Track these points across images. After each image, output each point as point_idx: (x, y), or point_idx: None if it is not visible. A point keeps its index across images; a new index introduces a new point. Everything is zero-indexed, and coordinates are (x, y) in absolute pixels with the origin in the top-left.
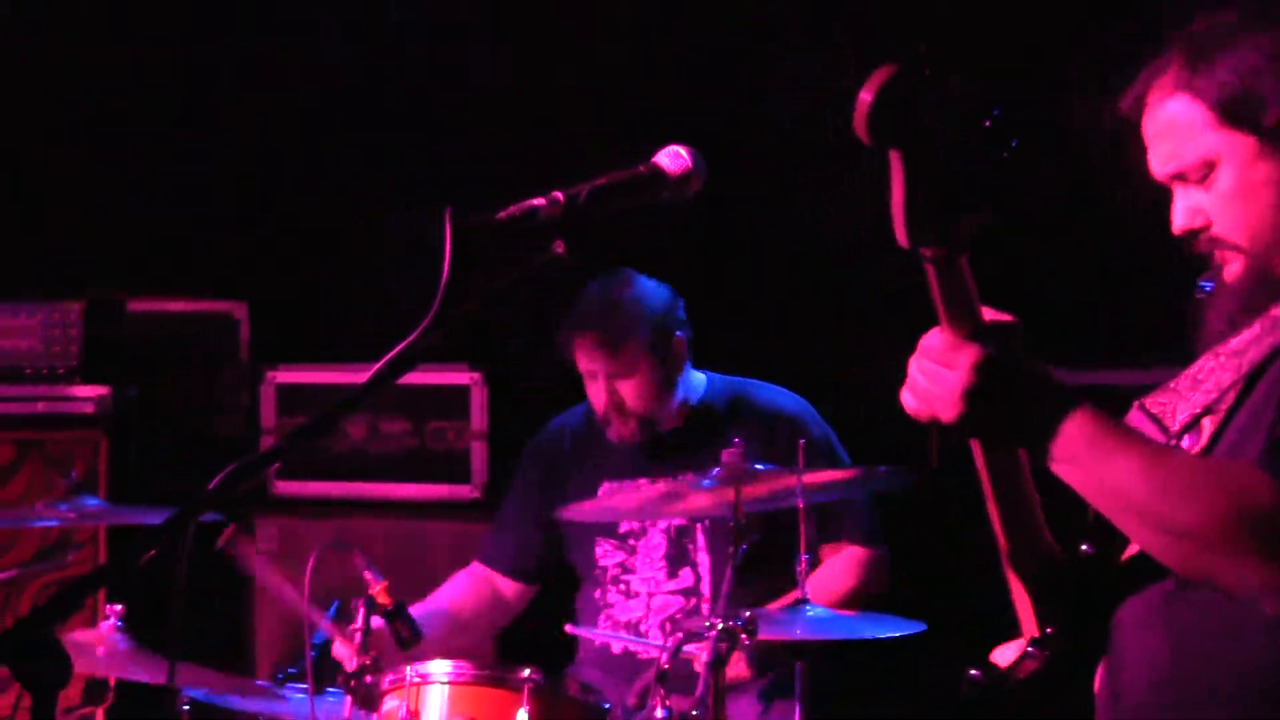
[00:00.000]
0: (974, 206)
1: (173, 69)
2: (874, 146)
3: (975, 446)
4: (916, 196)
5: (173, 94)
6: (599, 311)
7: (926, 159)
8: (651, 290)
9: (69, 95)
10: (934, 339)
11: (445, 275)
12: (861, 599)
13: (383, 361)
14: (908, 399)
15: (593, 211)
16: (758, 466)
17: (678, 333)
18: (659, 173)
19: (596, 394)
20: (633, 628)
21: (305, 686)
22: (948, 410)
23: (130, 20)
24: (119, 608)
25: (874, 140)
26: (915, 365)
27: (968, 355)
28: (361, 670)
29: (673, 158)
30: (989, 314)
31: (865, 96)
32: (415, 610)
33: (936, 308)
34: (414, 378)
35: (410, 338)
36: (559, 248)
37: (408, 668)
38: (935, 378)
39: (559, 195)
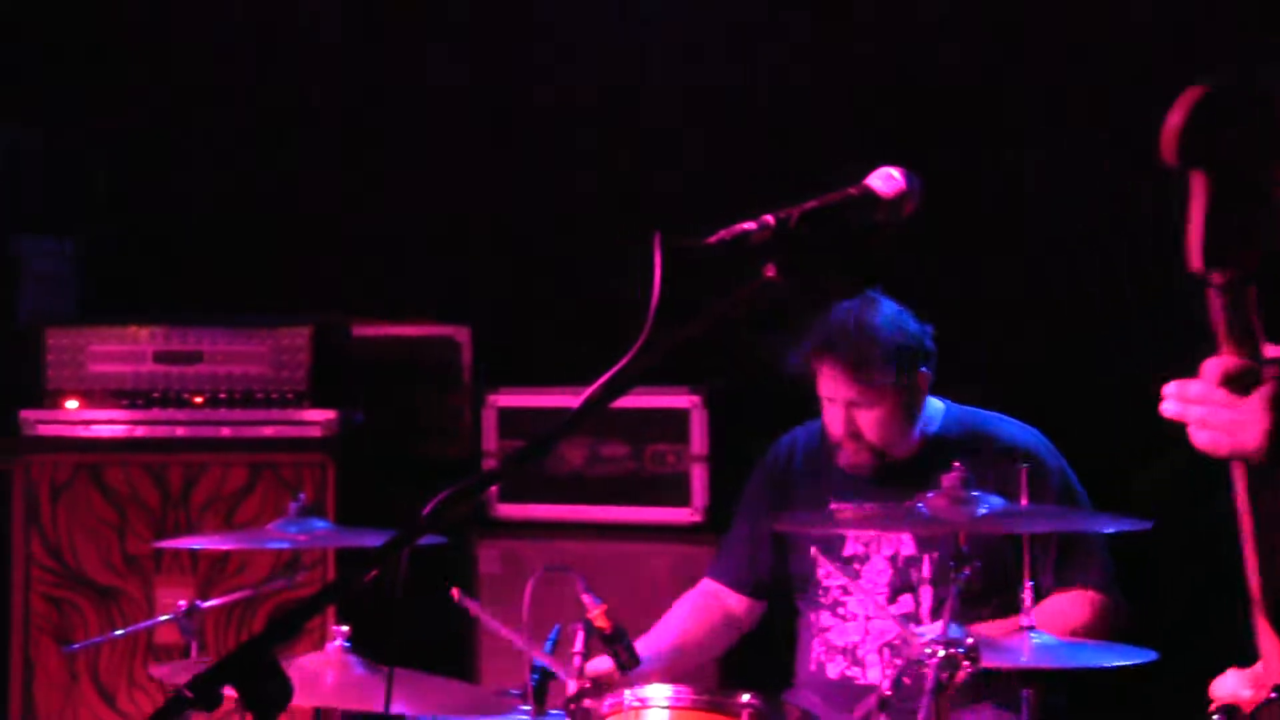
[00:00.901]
0: (1273, 232)
1: (405, 95)
2: (1178, 168)
3: (1240, 487)
4: (1218, 220)
5: (402, 120)
6: (849, 337)
7: (1230, 182)
8: (904, 320)
9: (299, 123)
10: (1220, 367)
11: (655, 299)
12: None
13: (596, 385)
14: (1201, 435)
15: (804, 235)
16: (974, 493)
17: (923, 367)
18: (871, 195)
19: (834, 419)
20: (850, 654)
21: (527, 708)
22: (1253, 439)
23: (363, 46)
24: (345, 629)
25: (1180, 161)
26: (1204, 395)
27: (1269, 385)
28: (581, 694)
29: (886, 179)
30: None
31: (1175, 118)
32: (646, 640)
33: (1218, 335)
34: (634, 401)
35: (622, 361)
36: (770, 272)
37: (626, 692)
38: (1235, 407)
39: (769, 219)
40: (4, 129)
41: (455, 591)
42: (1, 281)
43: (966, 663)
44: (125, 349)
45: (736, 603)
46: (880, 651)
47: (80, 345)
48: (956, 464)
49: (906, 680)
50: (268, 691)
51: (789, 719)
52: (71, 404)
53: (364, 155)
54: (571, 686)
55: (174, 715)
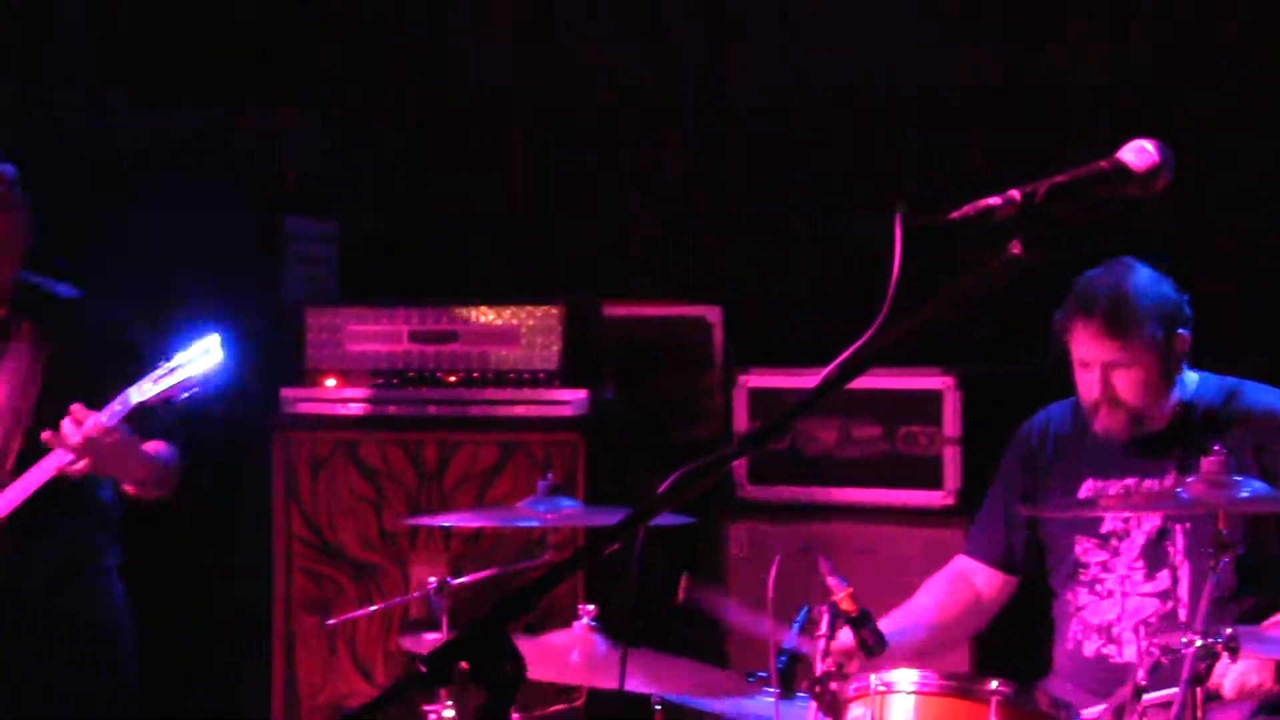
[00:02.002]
0: None
1: (652, 82)
2: None
3: None
4: None
5: (651, 105)
6: (1106, 297)
7: None
8: (1160, 283)
9: (553, 101)
10: None
11: (895, 277)
12: None
13: (833, 365)
14: None
15: (1051, 210)
16: (1237, 479)
17: (1181, 329)
18: (1122, 168)
19: (1089, 383)
20: (1105, 632)
21: (773, 691)
22: None
23: (610, 27)
24: (592, 608)
25: None
26: None
27: None
28: (826, 677)
29: (1138, 153)
30: None
31: None
32: (892, 619)
33: None
34: (886, 382)
35: (860, 341)
36: (1016, 248)
37: (872, 676)
38: None
39: (1015, 194)
40: (276, 113)
41: (684, 582)
42: (268, 262)
43: (1225, 654)
44: (381, 329)
45: (987, 580)
46: (1136, 630)
47: (338, 325)
48: (1217, 446)
49: (1164, 661)
50: (501, 668)
51: (1039, 706)
52: (329, 382)
53: (616, 139)
54: (818, 669)
55: (409, 690)
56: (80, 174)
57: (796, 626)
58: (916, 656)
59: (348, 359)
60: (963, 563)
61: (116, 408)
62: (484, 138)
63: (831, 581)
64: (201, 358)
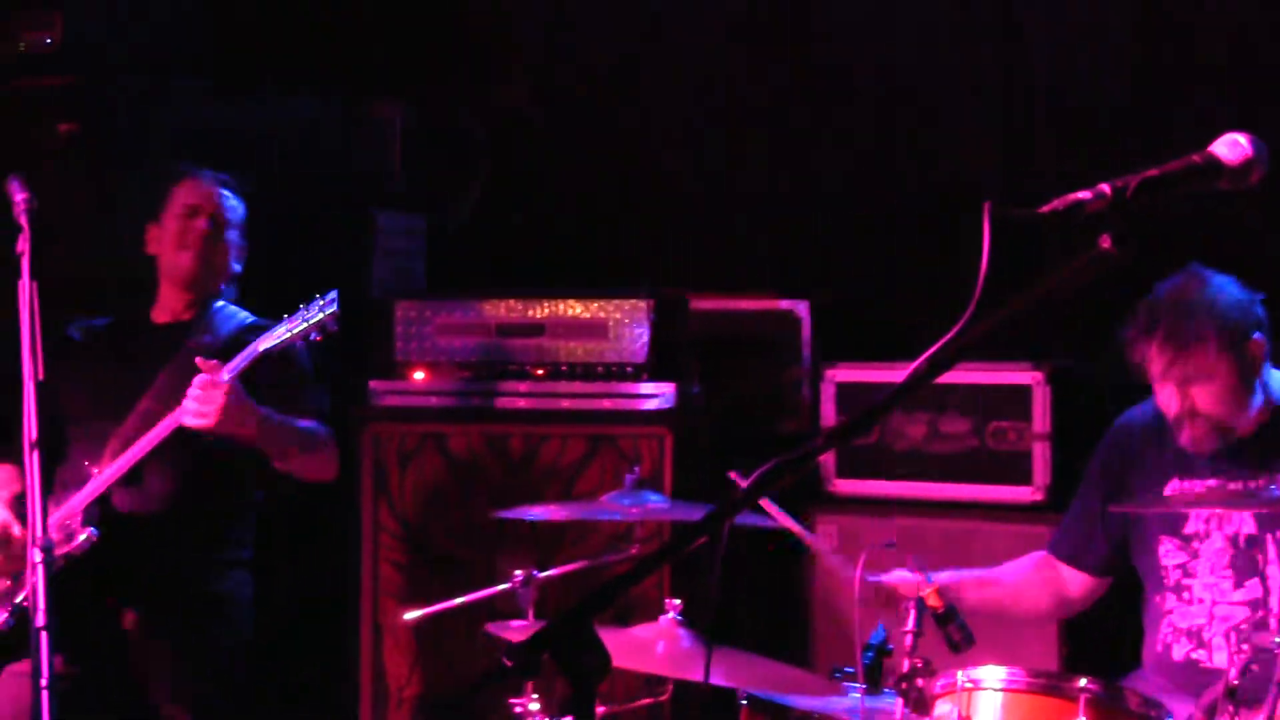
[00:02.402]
0: None
1: (731, 70)
2: None
3: None
4: None
5: (737, 92)
6: (1169, 313)
7: None
8: (1226, 289)
9: (643, 94)
10: None
11: (983, 271)
12: None
13: (921, 360)
14: None
15: (1142, 204)
16: None
17: (1255, 334)
18: (1215, 162)
19: (1168, 399)
20: (1195, 636)
21: (859, 686)
22: None
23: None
24: (678, 602)
25: None
26: None
27: None
28: (913, 673)
29: (1231, 146)
30: None
31: None
32: (974, 573)
33: None
34: (975, 377)
35: (948, 335)
36: (1105, 243)
37: (959, 672)
38: None
39: (1105, 188)
40: (367, 105)
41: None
42: (358, 255)
43: None
44: (469, 321)
45: (1071, 578)
46: (1227, 636)
47: (427, 318)
48: None
49: (1255, 668)
50: (585, 661)
51: (1129, 705)
52: (418, 375)
53: (704, 131)
54: (904, 665)
55: (495, 682)
56: (167, 159)
57: (882, 622)
58: (985, 612)
59: (436, 352)
60: (1046, 558)
61: (241, 362)
62: (574, 130)
63: (919, 577)
64: (321, 309)
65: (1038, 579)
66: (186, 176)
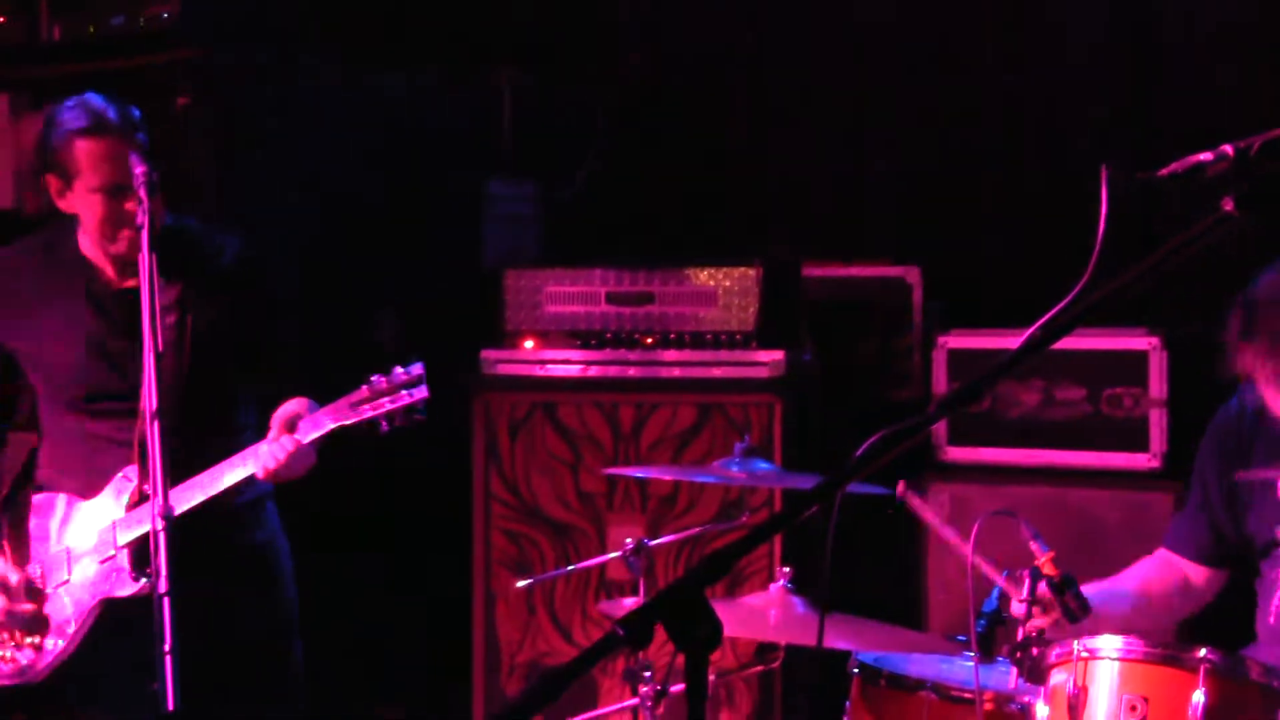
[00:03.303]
0: None
1: (843, 36)
2: None
3: None
4: None
5: (847, 60)
6: (1268, 313)
7: None
8: None
9: (756, 62)
10: None
11: (1101, 235)
12: None
13: (1036, 326)
14: None
15: (1266, 166)
16: None
17: None
18: None
19: (1274, 398)
20: None
21: (972, 654)
22: None
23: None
24: (788, 570)
25: None
26: None
27: None
28: (1028, 642)
29: None
30: None
31: None
32: (1099, 586)
33: None
34: (1090, 343)
35: (1064, 301)
36: (1228, 205)
37: (1075, 642)
38: None
39: (1228, 149)
40: (481, 74)
41: (901, 485)
42: (471, 224)
43: None
44: (580, 290)
45: (1194, 573)
46: None
47: (537, 287)
48: None
49: None
50: (697, 631)
51: (1250, 674)
52: (529, 344)
53: (815, 98)
54: (1019, 634)
55: (607, 652)
56: (285, 131)
57: (997, 590)
58: (1120, 624)
59: (547, 321)
60: (1166, 555)
61: (312, 432)
62: (686, 99)
63: (1034, 546)
64: (406, 389)
65: (1161, 580)
66: (89, 132)
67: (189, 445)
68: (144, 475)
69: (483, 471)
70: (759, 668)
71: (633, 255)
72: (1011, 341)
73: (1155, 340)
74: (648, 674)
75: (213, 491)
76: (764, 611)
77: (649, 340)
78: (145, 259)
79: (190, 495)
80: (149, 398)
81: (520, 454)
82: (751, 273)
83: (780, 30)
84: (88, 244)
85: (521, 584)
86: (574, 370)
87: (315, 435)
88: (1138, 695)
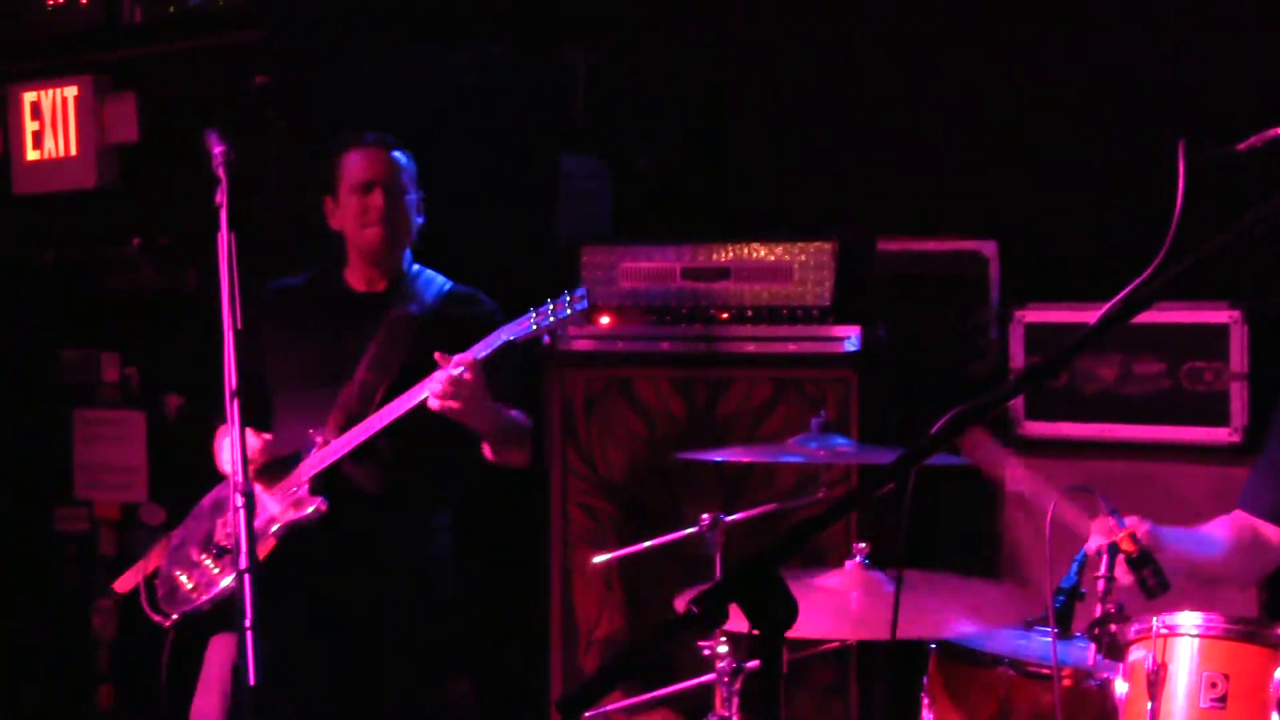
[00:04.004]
0: None
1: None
2: None
3: None
4: None
5: (919, 32)
6: None
7: None
8: None
9: (823, 34)
10: None
11: (1179, 208)
12: None
13: (1115, 301)
14: None
15: None
16: None
17: None
18: None
19: None
20: None
21: (1050, 630)
22: None
23: None
24: (864, 546)
25: None
26: None
27: None
28: (1106, 618)
29: None
30: None
31: None
32: (1177, 532)
33: None
34: (1169, 316)
35: (1142, 276)
36: None
37: (1154, 619)
38: None
39: None
40: (551, 51)
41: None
42: (544, 200)
43: None
44: (655, 266)
45: (1268, 531)
46: None
47: (612, 262)
48: None
49: None
50: (773, 609)
51: None
52: (604, 320)
53: (888, 69)
54: (1097, 611)
55: (682, 631)
56: (358, 109)
57: (1075, 566)
58: (1191, 576)
59: (622, 296)
60: (1239, 514)
61: (483, 347)
62: (757, 71)
63: (1112, 521)
64: (571, 305)
65: (1236, 539)
66: (352, 146)
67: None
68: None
69: (559, 446)
70: (834, 644)
71: (708, 230)
72: (1089, 315)
73: (1236, 314)
74: (724, 650)
75: (386, 420)
76: (840, 589)
77: (724, 315)
78: (224, 239)
79: (368, 427)
80: (229, 377)
81: (596, 429)
82: (827, 247)
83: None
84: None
85: (598, 560)
86: (649, 345)
87: (490, 349)
88: (1218, 672)
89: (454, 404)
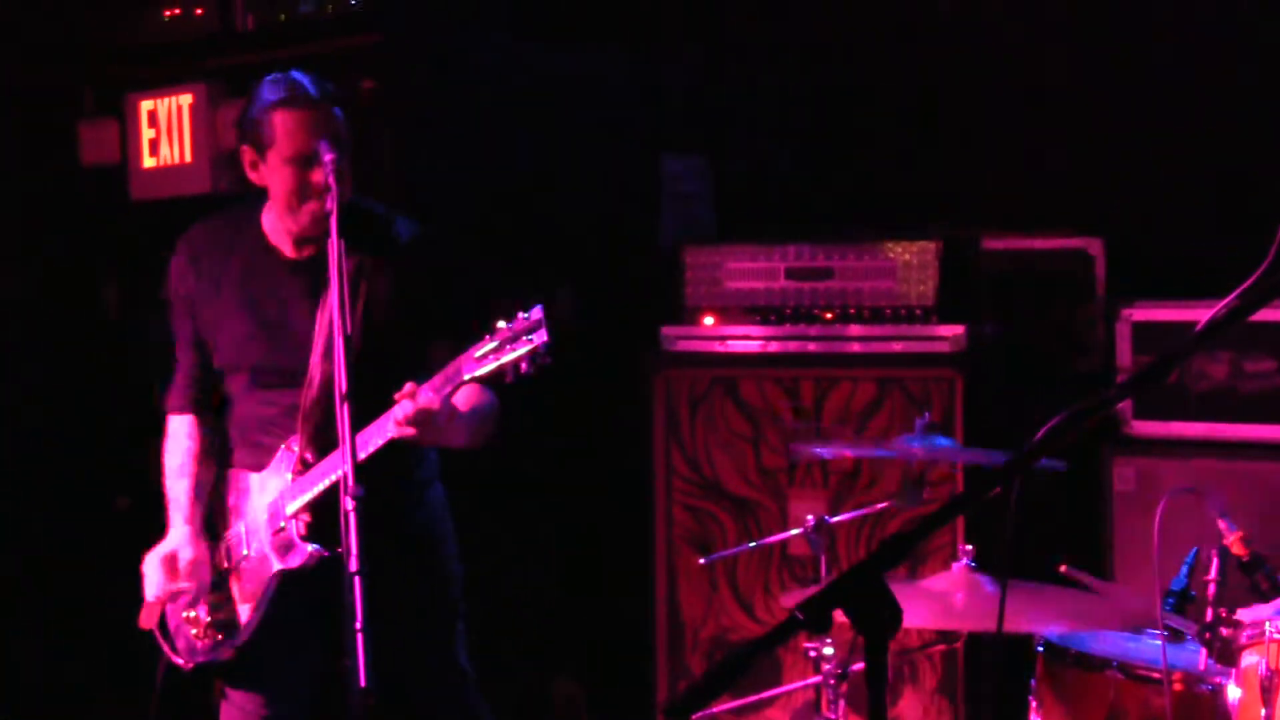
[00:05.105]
0: None
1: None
2: None
3: None
4: None
5: (1028, 33)
6: None
7: None
8: None
9: (934, 36)
10: None
11: None
12: None
13: (1227, 300)
14: None
15: None
16: None
17: None
18: None
19: None
20: None
21: (1159, 633)
22: None
23: None
24: (970, 548)
25: None
26: None
27: None
28: (1217, 622)
29: None
30: None
31: None
32: None
33: None
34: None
35: (1254, 276)
36: None
37: (1268, 623)
38: None
39: None
40: (655, 50)
41: (1063, 567)
42: (647, 202)
43: None
44: (759, 266)
45: None
46: None
47: (716, 263)
48: None
49: None
50: (878, 615)
51: None
52: (708, 320)
53: (994, 70)
54: (1208, 614)
55: (788, 637)
56: (464, 113)
57: (1185, 569)
58: None
59: (726, 297)
60: None
61: (445, 384)
62: (861, 71)
63: (1222, 524)
64: (528, 336)
65: None
66: (286, 104)
67: (361, 417)
68: (305, 445)
69: (664, 447)
70: (941, 646)
71: (812, 230)
72: (1196, 313)
73: None
74: (830, 653)
75: (357, 457)
76: (947, 592)
77: (828, 315)
78: (334, 245)
79: (334, 464)
80: (339, 381)
81: (701, 430)
82: (931, 246)
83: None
84: (270, 221)
85: (704, 561)
86: (754, 346)
87: (451, 386)
88: None
89: (416, 440)
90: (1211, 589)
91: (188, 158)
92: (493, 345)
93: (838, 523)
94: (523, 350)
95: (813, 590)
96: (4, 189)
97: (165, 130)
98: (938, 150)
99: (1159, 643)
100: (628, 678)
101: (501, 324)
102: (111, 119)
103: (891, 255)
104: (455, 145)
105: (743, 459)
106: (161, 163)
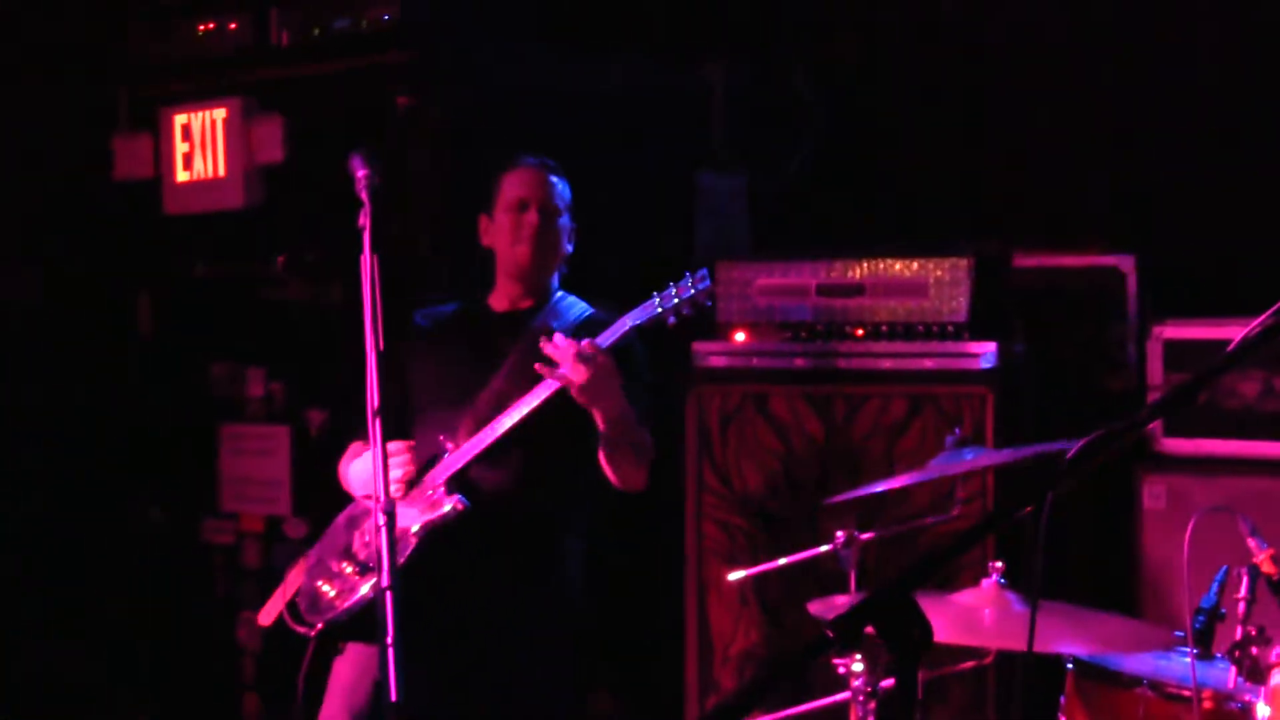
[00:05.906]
0: None
1: (1060, 21)
2: None
3: None
4: None
5: (1063, 49)
6: None
7: None
8: None
9: (967, 52)
10: None
11: None
12: None
13: (1262, 318)
14: None
15: None
16: None
17: None
18: None
19: None
20: None
21: (1190, 651)
22: None
23: None
24: (1000, 564)
25: None
26: None
27: None
28: (1246, 640)
29: None
30: None
31: None
32: None
33: None
34: None
35: None
36: None
37: None
38: None
39: None
40: (690, 68)
41: None
42: (682, 216)
43: None
44: (790, 282)
45: None
46: None
47: (748, 279)
48: None
49: None
50: (909, 633)
51: None
52: (739, 336)
53: (1025, 86)
54: (1238, 633)
55: (818, 654)
56: (499, 127)
57: (1215, 586)
58: None
59: (757, 313)
60: None
61: (609, 334)
62: (894, 88)
63: (1252, 542)
64: (694, 286)
65: None
66: (514, 167)
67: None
68: (460, 437)
69: (695, 462)
70: (971, 664)
71: (843, 247)
72: (1229, 331)
73: None
74: (859, 669)
75: (517, 417)
76: (976, 609)
77: (859, 332)
78: (367, 261)
79: (498, 426)
80: (370, 397)
81: (732, 445)
82: (962, 263)
83: (994, 14)
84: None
85: (734, 577)
86: (785, 362)
87: (617, 334)
88: None
89: (584, 372)
90: (1241, 607)
91: (221, 172)
92: (658, 298)
93: (868, 539)
94: (688, 295)
95: (840, 601)
96: (39, 202)
97: (199, 144)
98: (970, 168)
99: (1188, 660)
100: (659, 692)
101: (670, 285)
102: (145, 133)
103: (923, 272)
104: (493, 160)
105: (773, 474)
106: (195, 177)
